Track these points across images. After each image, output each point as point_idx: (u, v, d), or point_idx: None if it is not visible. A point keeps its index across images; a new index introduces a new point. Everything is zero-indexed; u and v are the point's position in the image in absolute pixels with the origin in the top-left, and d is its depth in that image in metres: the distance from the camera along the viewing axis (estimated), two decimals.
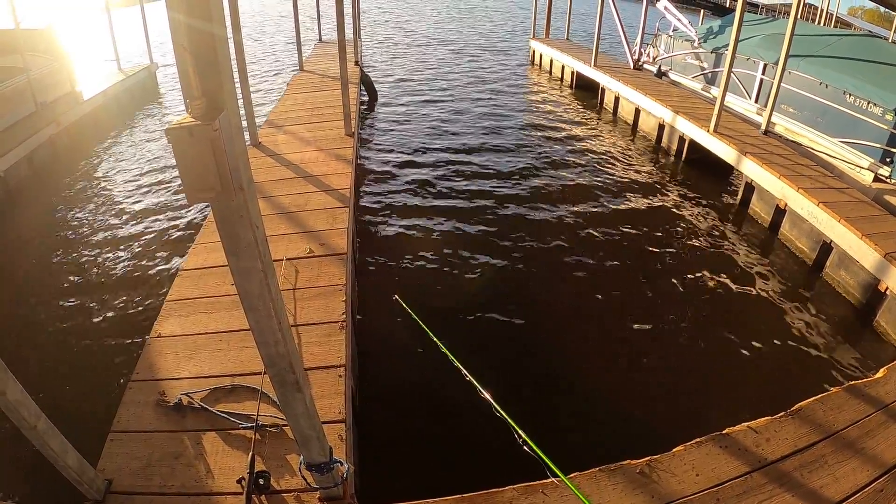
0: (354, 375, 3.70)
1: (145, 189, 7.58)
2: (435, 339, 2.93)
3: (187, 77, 1.27)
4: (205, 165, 1.27)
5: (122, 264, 5.64)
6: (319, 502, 2.36)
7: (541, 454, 2.28)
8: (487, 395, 2.56)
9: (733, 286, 5.39)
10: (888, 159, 6.36)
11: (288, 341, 1.72)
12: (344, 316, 3.61)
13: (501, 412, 2.45)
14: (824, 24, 13.66)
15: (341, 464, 2.27)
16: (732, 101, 9.14)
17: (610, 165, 8.63)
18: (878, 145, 6.49)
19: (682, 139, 8.71)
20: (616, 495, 2.42)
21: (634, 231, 6.49)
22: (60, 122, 8.63)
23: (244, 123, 6.56)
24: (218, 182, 1.30)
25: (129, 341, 4.42)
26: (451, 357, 2.79)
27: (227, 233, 1.46)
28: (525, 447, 2.29)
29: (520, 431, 2.33)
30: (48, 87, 8.98)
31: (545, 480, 2.40)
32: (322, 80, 11.17)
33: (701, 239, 6.33)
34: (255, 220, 1.46)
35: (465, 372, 2.70)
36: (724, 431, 2.79)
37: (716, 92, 8.72)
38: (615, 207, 7.07)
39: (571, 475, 2.48)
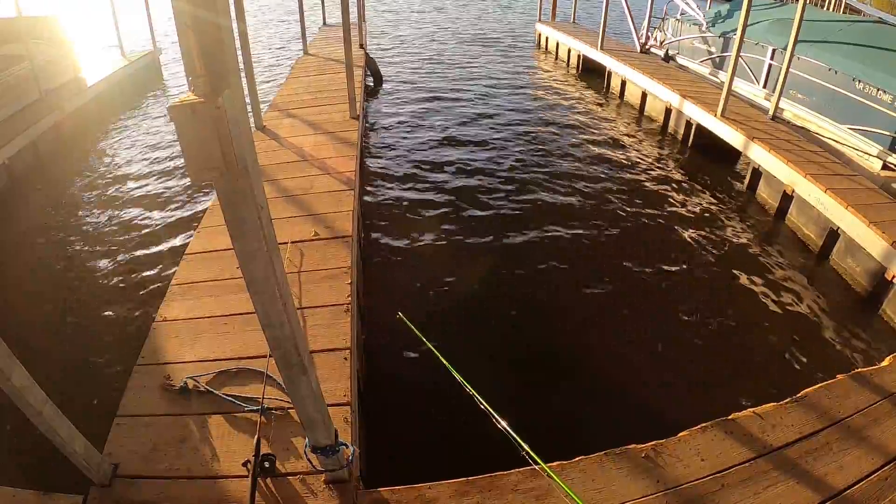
0: (361, 358, 3.70)
1: (150, 173, 7.58)
2: (438, 354, 2.89)
3: (190, 54, 1.24)
4: (208, 144, 1.24)
5: (126, 248, 5.65)
6: (325, 485, 2.36)
7: (538, 459, 2.28)
8: (487, 406, 2.51)
9: (739, 272, 5.36)
10: None
11: (293, 323, 1.71)
12: (349, 299, 3.60)
13: (500, 421, 2.43)
14: (833, 10, 13.45)
15: (347, 446, 2.27)
16: (740, 86, 9.04)
17: (616, 150, 8.56)
18: (887, 132, 6.41)
19: (689, 124, 8.63)
20: (621, 479, 2.42)
21: (640, 215, 6.45)
22: (65, 109, 8.63)
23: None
24: (222, 161, 1.27)
25: (134, 325, 4.43)
26: (452, 370, 2.76)
27: (231, 214, 1.43)
28: (525, 455, 2.30)
29: (522, 443, 2.31)
30: (52, 75, 8.95)
31: (552, 464, 2.40)
32: (326, 63, 11.10)
33: (707, 224, 6.28)
34: (260, 201, 1.44)
35: (464, 382, 2.67)
36: (729, 417, 2.77)
37: (723, 77, 8.63)
38: (621, 192, 7.02)
39: (577, 458, 2.49)
